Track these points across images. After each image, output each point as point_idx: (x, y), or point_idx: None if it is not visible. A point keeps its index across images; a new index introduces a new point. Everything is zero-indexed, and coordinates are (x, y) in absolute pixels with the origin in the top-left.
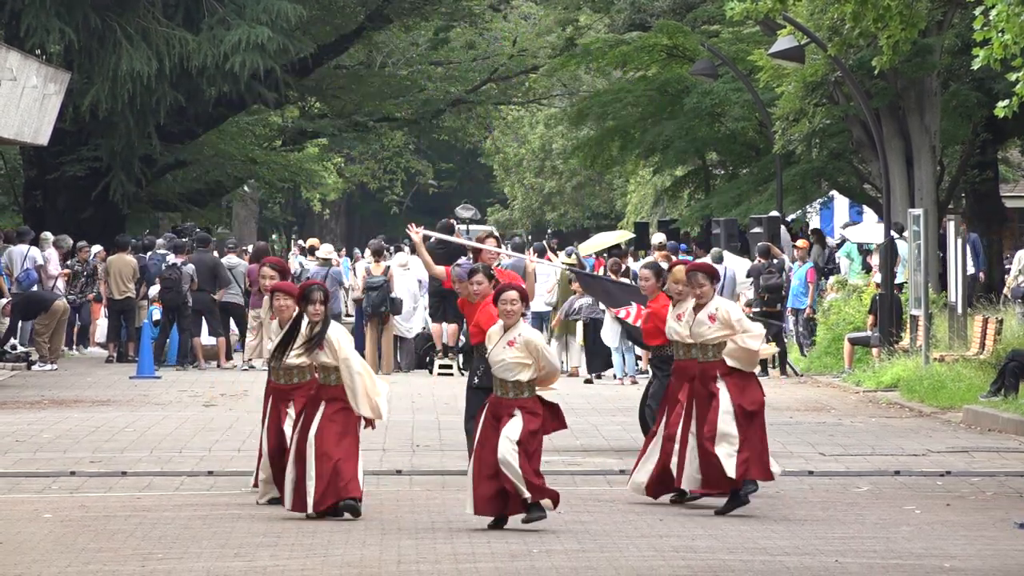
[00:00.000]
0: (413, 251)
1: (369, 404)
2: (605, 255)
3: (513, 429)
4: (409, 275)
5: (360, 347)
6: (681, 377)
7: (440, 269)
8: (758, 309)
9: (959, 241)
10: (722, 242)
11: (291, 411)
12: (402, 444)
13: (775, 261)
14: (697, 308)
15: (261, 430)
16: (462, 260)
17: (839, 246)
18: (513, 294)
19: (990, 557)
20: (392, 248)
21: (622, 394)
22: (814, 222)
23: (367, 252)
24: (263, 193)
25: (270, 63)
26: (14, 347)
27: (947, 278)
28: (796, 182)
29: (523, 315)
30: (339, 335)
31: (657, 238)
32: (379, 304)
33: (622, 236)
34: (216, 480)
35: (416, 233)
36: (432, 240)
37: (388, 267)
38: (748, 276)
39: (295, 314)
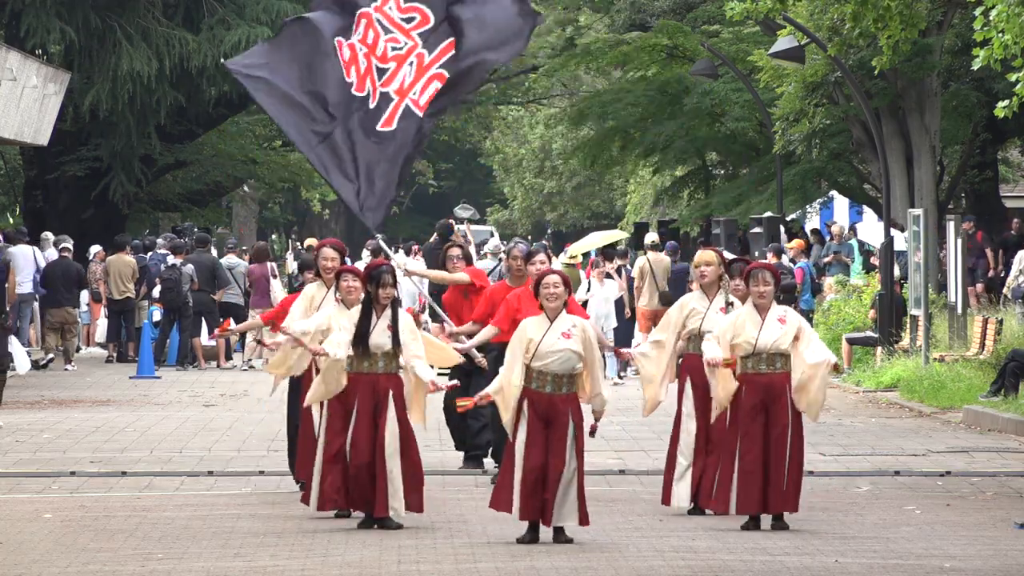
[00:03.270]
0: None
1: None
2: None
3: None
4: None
5: None
6: None
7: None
8: None
9: (959, 241)
10: (722, 242)
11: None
12: None
13: (785, 262)
14: None
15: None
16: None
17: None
18: (556, 278)
19: (990, 557)
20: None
21: (622, 394)
22: (813, 222)
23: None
24: (263, 193)
25: None
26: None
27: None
28: (796, 182)
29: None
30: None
31: (649, 237)
32: None
33: (615, 236)
34: (216, 480)
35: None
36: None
37: None
38: None
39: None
